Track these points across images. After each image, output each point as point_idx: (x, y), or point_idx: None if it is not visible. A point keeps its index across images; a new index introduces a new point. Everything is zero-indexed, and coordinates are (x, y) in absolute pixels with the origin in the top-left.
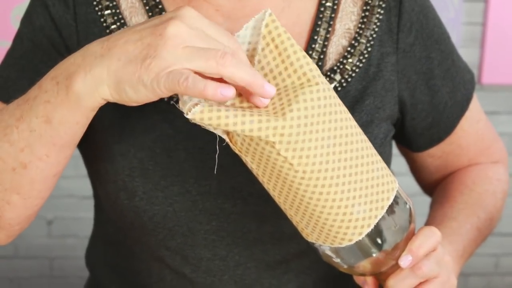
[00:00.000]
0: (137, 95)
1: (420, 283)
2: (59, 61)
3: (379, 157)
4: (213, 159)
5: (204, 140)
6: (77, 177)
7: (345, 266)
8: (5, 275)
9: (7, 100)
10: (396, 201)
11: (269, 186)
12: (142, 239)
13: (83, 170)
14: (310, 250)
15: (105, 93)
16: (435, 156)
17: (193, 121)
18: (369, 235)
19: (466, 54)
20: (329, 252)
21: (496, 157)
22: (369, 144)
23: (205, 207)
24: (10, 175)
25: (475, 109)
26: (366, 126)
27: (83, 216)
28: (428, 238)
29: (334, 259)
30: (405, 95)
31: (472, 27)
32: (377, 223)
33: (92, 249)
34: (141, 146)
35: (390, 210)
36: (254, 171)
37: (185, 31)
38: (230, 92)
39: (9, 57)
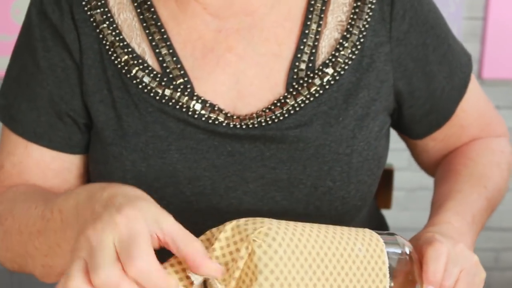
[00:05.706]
0: None
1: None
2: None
3: (354, 233)
4: (206, 159)
5: (197, 140)
6: None
7: None
8: (5, 269)
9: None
10: (390, 255)
11: None
12: None
13: None
14: None
15: None
16: (437, 139)
17: None
18: None
19: (467, 48)
20: None
21: (497, 132)
22: (340, 230)
23: (200, 208)
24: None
25: (475, 88)
26: (361, 119)
27: None
28: (438, 261)
29: None
30: (401, 84)
31: (472, 22)
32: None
33: None
34: (133, 148)
35: (392, 264)
36: None
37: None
38: None
39: (16, 81)
